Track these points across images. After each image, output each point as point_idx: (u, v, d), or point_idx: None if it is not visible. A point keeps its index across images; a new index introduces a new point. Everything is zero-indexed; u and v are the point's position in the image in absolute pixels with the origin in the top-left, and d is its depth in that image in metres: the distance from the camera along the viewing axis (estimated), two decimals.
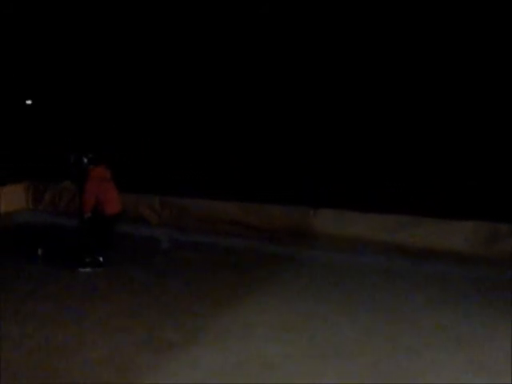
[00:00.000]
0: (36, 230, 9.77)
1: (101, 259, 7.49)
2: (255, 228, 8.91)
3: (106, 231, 7.58)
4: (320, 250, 8.17)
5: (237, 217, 9.11)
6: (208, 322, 5.57)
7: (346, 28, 8.48)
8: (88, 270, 7.40)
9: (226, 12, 9.06)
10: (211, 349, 4.97)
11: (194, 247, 8.45)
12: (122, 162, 10.09)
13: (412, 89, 8.10)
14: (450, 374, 4.45)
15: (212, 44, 9.34)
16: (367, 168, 8.29)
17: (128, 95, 10.11)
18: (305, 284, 6.76)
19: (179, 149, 9.64)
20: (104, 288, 6.72)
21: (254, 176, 8.99)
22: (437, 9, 7.75)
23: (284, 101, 8.90)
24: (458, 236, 7.76)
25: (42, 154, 10.56)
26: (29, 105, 11.48)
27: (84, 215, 7.42)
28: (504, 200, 7.50)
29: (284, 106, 8.92)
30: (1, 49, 10.39)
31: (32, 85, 11.22)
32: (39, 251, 7.97)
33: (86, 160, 7.51)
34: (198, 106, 9.45)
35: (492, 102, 7.68)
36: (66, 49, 10.64)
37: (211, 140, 9.40)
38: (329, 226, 8.57)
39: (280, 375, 4.48)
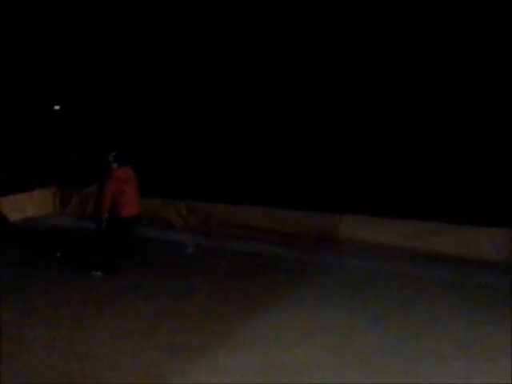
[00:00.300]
0: (61, 233, 9.86)
1: (115, 263, 7.45)
2: (280, 234, 8.90)
3: (122, 234, 7.50)
4: (346, 255, 8.13)
5: (262, 222, 9.11)
6: (234, 327, 5.58)
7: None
8: (99, 273, 7.37)
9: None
10: (237, 353, 4.98)
11: (220, 252, 8.45)
12: (150, 168, 10.25)
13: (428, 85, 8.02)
14: None
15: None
16: (395, 175, 8.22)
17: (154, 101, 10.20)
18: (331, 290, 6.72)
19: (206, 155, 9.68)
20: (129, 292, 6.75)
21: (280, 182, 8.98)
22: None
23: (304, 106, 8.89)
24: (487, 243, 7.66)
25: (68, 158, 10.69)
26: (57, 110, 11.65)
27: (101, 216, 7.37)
28: None
29: (307, 113, 8.91)
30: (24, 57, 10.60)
31: (58, 91, 11.39)
32: (57, 254, 8.00)
33: (111, 158, 7.43)
34: (227, 113, 9.50)
35: None
36: (90, 56, 10.80)
37: (238, 146, 9.43)
38: (354, 231, 8.53)
39: (306, 381, 4.47)
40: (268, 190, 9.09)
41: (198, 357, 4.93)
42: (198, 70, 9.73)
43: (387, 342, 5.22)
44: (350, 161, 8.26)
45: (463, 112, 7.78)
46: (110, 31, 10.31)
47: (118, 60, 10.25)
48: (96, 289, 6.92)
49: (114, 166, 7.46)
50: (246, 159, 8.94)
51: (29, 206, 11.23)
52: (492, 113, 7.65)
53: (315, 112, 8.80)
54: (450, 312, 5.92)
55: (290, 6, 8.78)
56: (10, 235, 9.74)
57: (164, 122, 10.26)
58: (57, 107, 11.62)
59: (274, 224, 9.04)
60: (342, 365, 4.76)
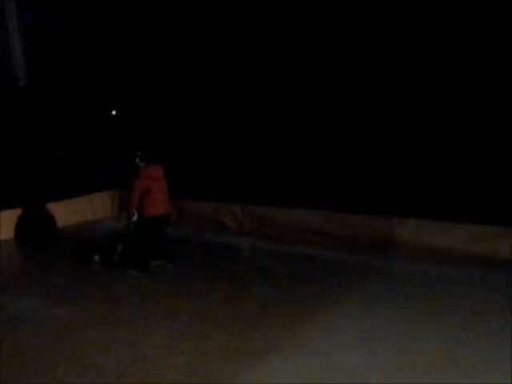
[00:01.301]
0: (112, 236, 9.96)
1: (148, 263, 7.48)
2: (337, 237, 8.71)
3: (152, 234, 7.51)
4: (404, 259, 7.87)
5: (319, 226, 8.95)
6: (290, 331, 5.45)
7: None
8: (135, 273, 7.39)
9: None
10: (293, 358, 4.85)
11: (276, 256, 8.34)
12: (205, 171, 10.27)
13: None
14: None
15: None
16: (456, 177, 7.90)
17: (205, 102, 10.22)
18: (389, 295, 6.48)
19: (262, 158, 9.61)
20: (183, 294, 6.73)
21: (337, 184, 8.80)
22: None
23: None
24: None
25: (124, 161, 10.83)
26: (113, 115, 11.84)
27: (130, 216, 7.43)
28: None
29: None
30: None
31: (108, 94, 11.57)
32: (96, 258, 7.99)
33: (137, 159, 7.50)
34: (280, 116, 9.40)
35: None
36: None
37: (293, 148, 9.30)
38: (413, 235, 8.26)
39: None
40: (322, 193, 8.92)
41: (253, 360, 4.84)
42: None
43: (450, 347, 4.97)
44: (437, 170, 8.02)
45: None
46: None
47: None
48: (150, 290, 6.95)
49: (142, 165, 7.50)
50: (329, 166, 8.87)
51: (88, 209, 11.46)
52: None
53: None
54: None
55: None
56: (59, 239, 9.95)
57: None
58: (114, 112, 11.74)
59: (330, 227, 8.86)
60: (403, 370, 4.57)
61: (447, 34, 7.62)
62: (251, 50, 9.27)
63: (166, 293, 6.83)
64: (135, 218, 7.49)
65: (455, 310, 5.90)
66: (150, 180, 7.41)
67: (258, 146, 9.64)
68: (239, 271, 7.72)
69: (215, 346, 5.14)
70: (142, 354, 5.07)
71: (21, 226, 10.03)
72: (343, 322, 5.68)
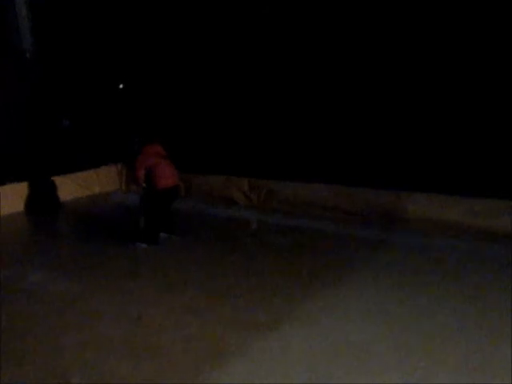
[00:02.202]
0: (125, 210, 9.99)
1: (157, 236, 7.59)
2: (346, 212, 8.66)
3: (160, 206, 7.62)
4: (413, 234, 7.80)
5: (327, 200, 8.89)
6: (298, 304, 5.45)
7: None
8: (144, 245, 7.48)
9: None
10: (302, 331, 4.86)
11: (283, 230, 8.33)
12: (211, 144, 10.22)
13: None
14: None
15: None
16: (461, 151, 7.80)
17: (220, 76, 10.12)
18: (397, 269, 6.45)
19: (268, 130, 9.53)
20: (192, 268, 6.74)
21: (346, 158, 8.73)
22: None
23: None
24: None
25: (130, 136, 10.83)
26: (121, 89, 11.75)
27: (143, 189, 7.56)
28: None
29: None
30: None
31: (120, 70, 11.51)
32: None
33: (135, 144, 7.70)
34: (289, 88, 9.29)
35: None
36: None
37: (301, 121, 9.21)
38: (422, 210, 8.18)
39: (373, 359, 4.31)
40: (330, 167, 8.86)
41: (263, 332, 4.85)
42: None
43: (458, 321, 4.96)
44: (444, 143, 7.94)
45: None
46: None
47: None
48: (158, 263, 6.98)
49: (140, 146, 7.68)
50: (337, 140, 8.82)
51: (95, 183, 11.47)
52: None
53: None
54: None
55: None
56: (65, 214, 9.97)
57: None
58: (121, 86, 11.67)
59: (338, 201, 8.81)
60: (411, 343, 4.56)
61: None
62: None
63: (173, 266, 6.86)
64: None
65: (462, 282, 5.88)
66: (153, 156, 7.52)
67: (267, 119, 9.55)
68: (246, 245, 7.73)
69: (221, 319, 5.16)
70: (150, 325, 5.12)
71: (30, 200, 10.07)
72: (350, 295, 5.67)
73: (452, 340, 4.61)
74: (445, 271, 6.28)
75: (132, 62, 11.33)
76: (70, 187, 10.79)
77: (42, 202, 10.01)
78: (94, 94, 11.19)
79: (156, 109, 10.99)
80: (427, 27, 7.80)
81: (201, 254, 7.25)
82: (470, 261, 6.59)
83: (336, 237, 7.91)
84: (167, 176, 7.53)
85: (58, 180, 10.44)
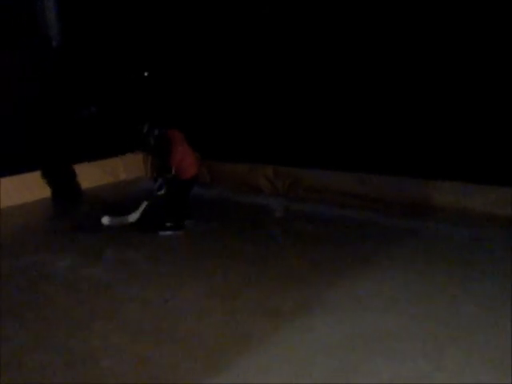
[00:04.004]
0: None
1: (182, 224, 7.60)
2: (371, 199, 8.60)
3: (186, 195, 7.67)
4: (439, 223, 7.72)
5: (352, 188, 8.84)
6: (322, 292, 5.45)
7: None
8: (168, 233, 7.52)
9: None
10: (326, 318, 4.87)
11: (308, 218, 8.31)
12: (237, 132, 10.22)
13: None
14: None
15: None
16: (490, 138, 7.67)
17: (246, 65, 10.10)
18: (422, 257, 6.41)
19: (294, 117, 9.49)
20: (216, 255, 6.75)
21: (371, 145, 8.67)
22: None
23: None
24: None
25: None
26: (146, 76, 11.77)
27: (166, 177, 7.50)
28: None
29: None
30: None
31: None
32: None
33: (145, 129, 7.55)
34: (312, 74, 9.24)
35: None
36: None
37: (326, 109, 9.15)
38: (448, 198, 8.09)
39: (399, 348, 4.30)
40: (357, 154, 8.80)
41: (287, 320, 4.88)
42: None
43: (483, 310, 4.92)
44: (470, 132, 7.85)
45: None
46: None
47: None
48: (183, 250, 7.04)
49: (156, 131, 7.51)
50: (361, 128, 8.80)
51: (121, 169, 11.56)
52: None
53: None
54: None
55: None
56: (85, 201, 10.03)
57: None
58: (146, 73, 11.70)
59: (364, 190, 8.76)
60: (435, 331, 4.55)
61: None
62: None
63: (199, 252, 6.91)
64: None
65: (490, 273, 5.80)
66: (181, 144, 7.50)
67: (293, 107, 9.51)
68: (271, 232, 7.72)
69: (247, 307, 5.19)
70: (177, 311, 5.17)
71: (54, 187, 10.19)
72: (376, 283, 5.66)
73: (481, 331, 4.56)
74: (471, 260, 6.20)
75: (156, 49, 11.34)
76: (95, 174, 10.89)
77: (64, 189, 10.13)
78: (120, 81, 11.24)
79: (181, 96, 11.01)
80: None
81: (226, 241, 7.28)
82: (500, 250, 6.50)
83: (361, 225, 7.86)
84: (193, 165, 7.62)
85: (83, 167, 10.54)
